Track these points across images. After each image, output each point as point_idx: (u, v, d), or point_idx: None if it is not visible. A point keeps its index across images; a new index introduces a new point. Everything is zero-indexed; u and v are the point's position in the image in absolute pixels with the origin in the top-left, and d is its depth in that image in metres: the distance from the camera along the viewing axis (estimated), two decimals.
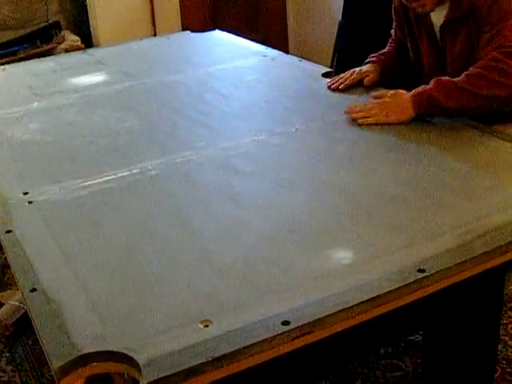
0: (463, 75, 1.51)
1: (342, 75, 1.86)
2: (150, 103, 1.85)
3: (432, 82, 1.54)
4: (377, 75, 1.84)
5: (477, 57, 1.56)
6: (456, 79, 1.52)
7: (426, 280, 0.98)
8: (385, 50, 1.90)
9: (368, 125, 1.55)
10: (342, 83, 1.83)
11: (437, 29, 1.68)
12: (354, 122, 1.58)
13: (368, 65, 1.86)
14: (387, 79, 1.84)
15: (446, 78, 1.55)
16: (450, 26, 1.63)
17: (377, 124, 1.55)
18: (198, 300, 0.97)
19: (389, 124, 1.55)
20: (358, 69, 1.86)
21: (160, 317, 0.93)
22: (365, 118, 1.57)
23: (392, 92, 1.62)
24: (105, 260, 1.09)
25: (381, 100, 1.62)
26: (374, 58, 1.86)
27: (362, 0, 2.66)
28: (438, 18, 1.65)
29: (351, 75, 1.84)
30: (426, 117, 1.55)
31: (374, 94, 1.68)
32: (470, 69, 1.52)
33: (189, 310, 0.94)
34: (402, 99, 1.57)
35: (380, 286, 0.96)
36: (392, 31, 1.91)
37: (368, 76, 1.82)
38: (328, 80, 1.88)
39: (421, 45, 1.76)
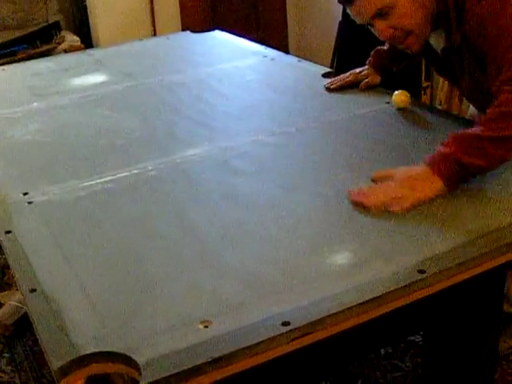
0: (483, 121, 1.25)
1: (340, 76, 1.86)
2: (150, 103, 1.85)
3: (450, 140, 1.24)
4: (375, 79, 1.82)
5: (490, 89, 1.33)
6: (476, 130, 1.23)
7: (426, 280, 0.98)
8: (390, 44, 1.77)
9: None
10: (334, 83, 1.83)
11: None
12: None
13: (366, 67, 1.85)
14: (392, 71, 1.82)
15: (466, 132, 1.25)
16: (451, 53, 1.46)
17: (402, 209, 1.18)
18: (198, 300, 0.97)
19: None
20: (357, 70, 1.85)
21: (160, 317, 0.93)
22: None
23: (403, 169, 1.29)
24: (105, 260, 1.09)
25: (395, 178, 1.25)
26: (372, 59, 1.84)
27: None
28: (437, 45, 1.51)
29: (347, 77, 1.84)
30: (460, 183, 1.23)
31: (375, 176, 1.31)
32: (488, 111, 1.26)
33: (189, 311, 0.94)
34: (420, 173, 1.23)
35: (380, 287, 0.96)
36: None
37: (365, 79, 1.81)
38: (328, 80, 1.88)
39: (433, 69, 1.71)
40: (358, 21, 1.43)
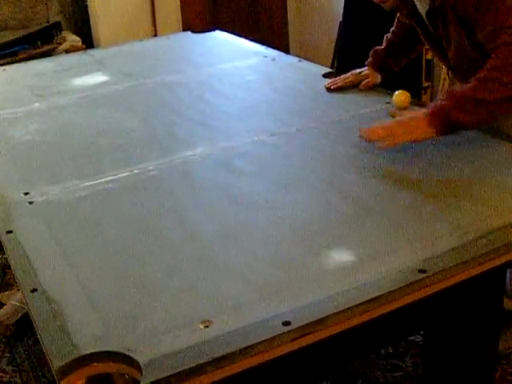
0: (474, 81, 1.37)
1: (341, 76, 1.87)
2: (150, 103, 1.85)
3: (446, 95, 1.41)
4: (374, 79, 1.83)
5: (485, 50, 1.43)
6: (468, 87, 1.38)
7: (427, 280, 0.98)
8: (386, 43, 1.84)
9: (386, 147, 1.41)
10: (335, 83, 1.83)
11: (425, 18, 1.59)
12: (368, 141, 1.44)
13: (366, 68, 1.85)
14: (393, 71, 1.84)
15: (459, 89, 1.41)
16: (435, 15, 1.52)
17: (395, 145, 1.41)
18: (199, 300, 0.97)
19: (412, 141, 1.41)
20: (357, 70, 1.86)
21: (160, 317, 0.93)
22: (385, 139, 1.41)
23: (410, 113, 1.50)
24: (105, 260, 1.09)
25: (398, 119, 1.48)
26: (371, 59, 1.85)
27: (362, 0, 2.66)
28: (421, 7, 1.56)
29: (348, 77, 1.85)
30: (449, 134, 1.42)
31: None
32: (484, 70, 1.37)
33: (189, 311, 0.94)
34: (419, 119, 1.41)
35: (380, 287, 0.96)
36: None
37: (365, 80, 1.82)
38: (328, 80, 1.89)
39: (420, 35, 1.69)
40: None
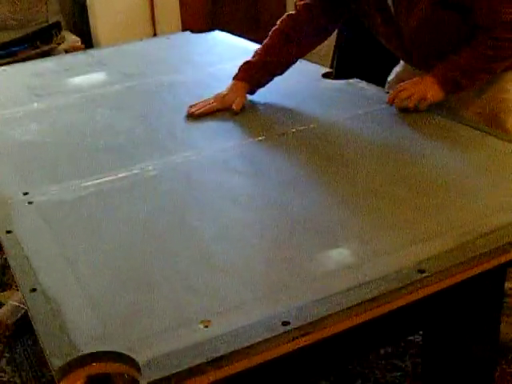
0: (478, 50, 1.53)
1: (205, 101, 1.71)
2: (150, 103, 1.85)
3: (449, 62, 1.56)
4: (243, 94, 1.71)
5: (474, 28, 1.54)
6: (472, 58, 1.54)
7: (426, 280, 0.98)
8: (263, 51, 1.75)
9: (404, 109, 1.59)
10: (198, 109, 1.69)
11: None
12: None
13: (232, 85, 1.72)
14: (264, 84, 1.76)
15: (463, 58, 1.55)
16: None
17: (415, 103, 1.58)
18: (198, 300, 0.97)
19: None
20: (221, 94, 1.71)
21: (160, 317, 0.93)
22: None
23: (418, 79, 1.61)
24: (105, 260, 1.09)
25: (410, 81, 1.62)
26: (243, 74, 1.73)
27: None
28: None
29: (213, 101, 1.70)
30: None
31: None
32: (484, 43, 1.52)
33: (189, 310, 0.94)
34: (432, 85, 1.57)
35: (380, 286, 0.96)
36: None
37: (234, 102, 1.68)
38: (328, 80, 1.88)
39: (369, 11, 1.67)
40: None
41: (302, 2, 1.75)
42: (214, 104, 1.70)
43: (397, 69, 1.93)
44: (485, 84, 1.62)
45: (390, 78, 1.93)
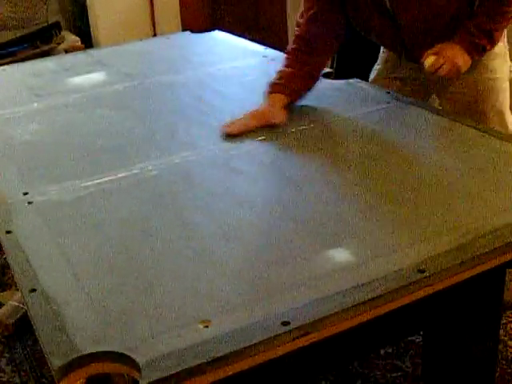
0: (484, 17, 1.61)
1: (241, 118, 1.60)
2: (149, 103, 1.85)
3: (470, 28, 1.62)
4: (281, 106, 1.62)
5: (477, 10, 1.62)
6: (491, 21, 1.62)
7: (426, 280, 0.98)
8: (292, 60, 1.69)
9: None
10: (235, 128, 1.57)
11: None
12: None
13: (268, 99, 1.64)
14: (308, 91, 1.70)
15: (477, 23, 1.61)
16: None
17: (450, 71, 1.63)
18: (198, 300, 0.97)
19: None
20: (258, 110, 1.62)
21: (160, 317, 0.93)
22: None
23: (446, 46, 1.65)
24: (105, 260, 1.09)
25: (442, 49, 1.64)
26: (281, 87, 1.65)
27: None
28: None
29: (250, 119, 1.60)
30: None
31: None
32: (490, 10, 1.61)
33: (188, 311, 0.94)
34: (462, 54, 1.63)
35: (380, 287, 0.96)
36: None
37: (276, 119, 1.59)
38: (328, 80, 1.88)
39: (362, 5, 1.66)
40: None
41: (304, 19, 1.71)
42: (254, 122, 1.58)
43: (377, 66, 1.94)
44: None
45: (372, 77, 1.94)
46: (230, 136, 1.55)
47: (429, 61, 1.62)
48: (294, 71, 1.68)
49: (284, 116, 1.60)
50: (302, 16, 1.73)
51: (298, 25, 1.74)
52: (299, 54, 1.70)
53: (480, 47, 1.63)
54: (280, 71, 1.70)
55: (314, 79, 1.72)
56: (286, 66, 1.70)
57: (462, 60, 1.63)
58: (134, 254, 1.10)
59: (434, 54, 1.62)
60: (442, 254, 1.03)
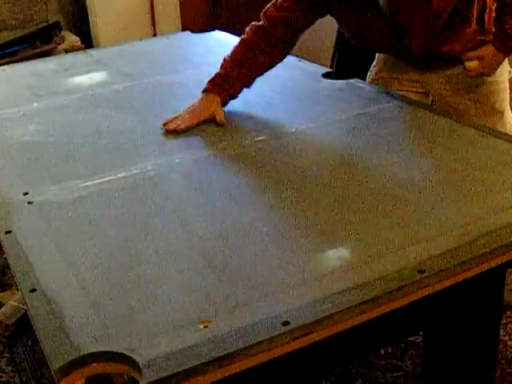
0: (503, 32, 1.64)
1: (177, 115, 1.65)
2: (149, 103, 1.85)
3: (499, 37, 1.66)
4: (218, 105, 1.66)
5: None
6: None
7: (426, 280, 0.98)
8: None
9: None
10: (179, 125, 1.61)
11: None
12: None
13: (203, 97, 1.68)
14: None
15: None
16: None
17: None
18: (198, 300, 0.97)
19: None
20: (193, 107, 1.67)
21: (160, 317, 0.93)
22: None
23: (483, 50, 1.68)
24: (105, 260, 1.09)
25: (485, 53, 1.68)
26: (213, 87, 1.69)
27: None
28: None
29: (188, 116, 1.64)
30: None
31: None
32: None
33: (188, 311, 0.94)
34: (497, 57, 1.68)
35: (380, 287, 0.96)
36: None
37: (216, 114, 1.64)
38: (328, 80, 1.88)
39: (356, 9, 1.65)
40: None
41: (276, 14, 1.70)
42: (193, 119, 1.63)
43: (374, 68, 1.94)
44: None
45: (369, 79, 1.94)
46: (175, 132, 1.59)
47: (472, 65, 1.67)
48: (236, 71, 1.69)
49: (223, 113, 1.66)
50: (274, 9, 1.72)
51: (265, 16, 1.73)
52: (252, 49, 1.70)
53: None
54: (223, 66, 1.72)
55: (254, 79, 1.73)
56: (230, 62, 1.71)
57: (500, 65, 1.70)
58: (134, 253, 1.10)
59: (478, 57, 1.66)
60: (442, 253, 1.03)
